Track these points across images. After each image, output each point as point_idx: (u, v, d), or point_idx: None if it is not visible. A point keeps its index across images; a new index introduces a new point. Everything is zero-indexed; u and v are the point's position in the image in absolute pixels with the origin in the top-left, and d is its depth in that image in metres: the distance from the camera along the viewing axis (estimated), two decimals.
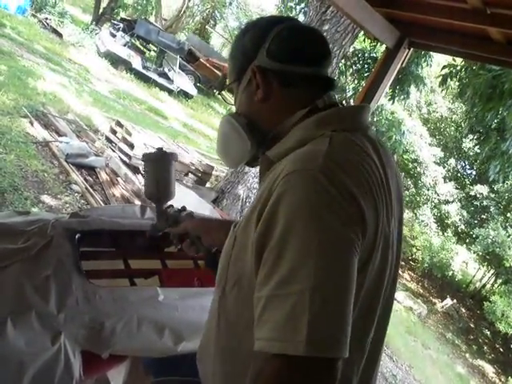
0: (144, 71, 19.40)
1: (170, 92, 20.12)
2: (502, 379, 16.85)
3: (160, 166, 2.01)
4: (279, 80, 1.38)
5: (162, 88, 19.91)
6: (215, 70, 25.72)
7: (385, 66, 4.46)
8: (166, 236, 2.05)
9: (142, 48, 22.50)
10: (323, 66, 1.42)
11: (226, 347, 1.35)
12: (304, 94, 1.38)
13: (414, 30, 4.33)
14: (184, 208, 2.07)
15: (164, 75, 20.44)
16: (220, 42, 41.80)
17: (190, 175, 9.44)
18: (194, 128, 17.13)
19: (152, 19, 27.39)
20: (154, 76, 19.77)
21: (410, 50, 4.52)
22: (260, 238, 1.13)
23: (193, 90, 21.82)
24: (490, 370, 16.95)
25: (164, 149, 2.01)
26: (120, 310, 2.00)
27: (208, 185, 9.89)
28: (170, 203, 2.10)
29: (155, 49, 21.83)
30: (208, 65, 25.45)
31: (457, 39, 4.08)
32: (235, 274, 1.29)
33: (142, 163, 2.02)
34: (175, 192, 2.06)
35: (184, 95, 21.14)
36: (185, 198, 8.02)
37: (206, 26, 36.01)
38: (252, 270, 1.17)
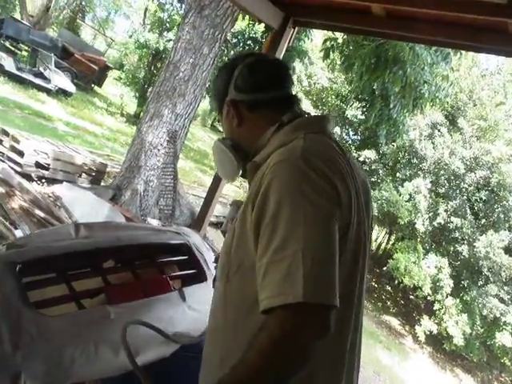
0: (18, 73, 18.55)
1: (49, 92, 19.38)
2: (407, 328, 17.79)
3: None
4: (247, 107, 1.72)
5: (40, 88, 19.12)
6: (91, 65, 24.94)
7: (272, 47, 4.53)
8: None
9: (12, 49, 21.50)
10: (283, 88, 1.76)
11: (234, 326, 1.51)
12: (270, 114, 1.69)
13: (297, 10, 4.42)
14: None
15: (40, 75, 19.63)
16: (91, 34, 40.70)
17: (84, 175, 9.24)
18: (78, 126, 16.69)
19: (17, 16, 26.27)
20: (30, 77, 18.96)
21: (295, 29, 4.61)
22: (256, 220, 1.37)
23: (71, 88, 21.05)
24: (395, 322, 17.88)
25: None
26: (75, 336, 1.97)
27: (103, 183, 9.73)
28: None
29: (27, 48, 20.97)
30: (83, 60, 24.66)
31: (339, 15, 4.20)
32: (237, 259, 1.50)
33: (230, 206, 2.15)
34: None
35: (63, 93, 20.38)
36: (82, 199, 7.88)
37: (77, 20, 34.93)
38: (253, 251, 1.39)
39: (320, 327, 1.22)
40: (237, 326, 1.49)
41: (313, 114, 1.78)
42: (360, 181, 1.57)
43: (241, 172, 1.80)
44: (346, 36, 9.53)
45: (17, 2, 27.46)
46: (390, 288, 20.94)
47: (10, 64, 18.29)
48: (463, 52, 10.80)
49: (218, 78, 1.84)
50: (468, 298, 15.72)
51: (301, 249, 1.23)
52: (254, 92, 1.71)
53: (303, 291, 1.19)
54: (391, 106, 9.72)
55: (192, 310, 2.53)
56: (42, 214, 6.85)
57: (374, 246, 25.37)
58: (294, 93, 1.80)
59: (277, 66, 1.82)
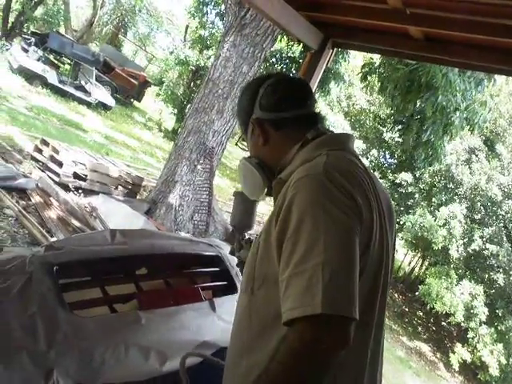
0: (60, 85, 18.85)
1: (89, 105, 19.67)
2: (438, 355, 17.50)
3: (249, 202, 2.25)
4: (272, 126, 1.77)
5: (80, 101, 19.42)
6: (131, 79, 25.32)
7: (311, 67, 4.52)
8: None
9: (56, 62, 21.86)
10: (307, 106, 1.81)
11: (260, 338, 1.52)
12: (294, 132, 1.75)
13: (336, 31, 4.40)
14: (250, 239, 2.29)
15: (81, 88, 19.95)
16: (132, 50, 41.29)
17: (120, 188, 9.34)
18: (116, 140, 16.84)
19: (62, 31, 26.77)
20: (71, 90, 19.25)
21: (333, 50, 4.59)
22: (279, 234, 1.41)
23: (111, 101, 21.40)
24: (426, 348, 17.60)
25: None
26: (107, 338, 2.01)
27: (138, 196, 9.83)
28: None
29: (70, 62, 21.35)
30: (124, 74, 25.04)
31: (378, 37, 4.18)
32: (261, 274, 1.54)
33: (234, 198, 2.30)
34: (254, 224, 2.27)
35: (103, 107, 20.70)
36: (117, 211, 7.97)
37: (119, 35, 35.50)
38: (277, 265, 1.41)
39: (339, 339, 1.24)
40: (262, 337, 1.51)
41: (336, 131, 1.81)
42: (383, 198, 1.62)
43: (266, 189, 1.85)
44: (382, 59, 9.57)
45: (62, 18, 27.94)
46: (421, 313, 20.70)
47: (52, 77, 18.61)
48: (504, 77, 10.72)
49: (242, 97, 1.90)
50: (503, 328, 15.42)
51: (321, 262, 1.26)
52: (278, 111, 1.76)
53: (322, 303, 1.21)
54: (426, 128, 9.71)
55: (221, 321, 2.57)
56: (77, 224, 6.97)
57: (406, 270, 25.14)
58: (317, 111, 1.85)
59: (300, 84, 1.88)
